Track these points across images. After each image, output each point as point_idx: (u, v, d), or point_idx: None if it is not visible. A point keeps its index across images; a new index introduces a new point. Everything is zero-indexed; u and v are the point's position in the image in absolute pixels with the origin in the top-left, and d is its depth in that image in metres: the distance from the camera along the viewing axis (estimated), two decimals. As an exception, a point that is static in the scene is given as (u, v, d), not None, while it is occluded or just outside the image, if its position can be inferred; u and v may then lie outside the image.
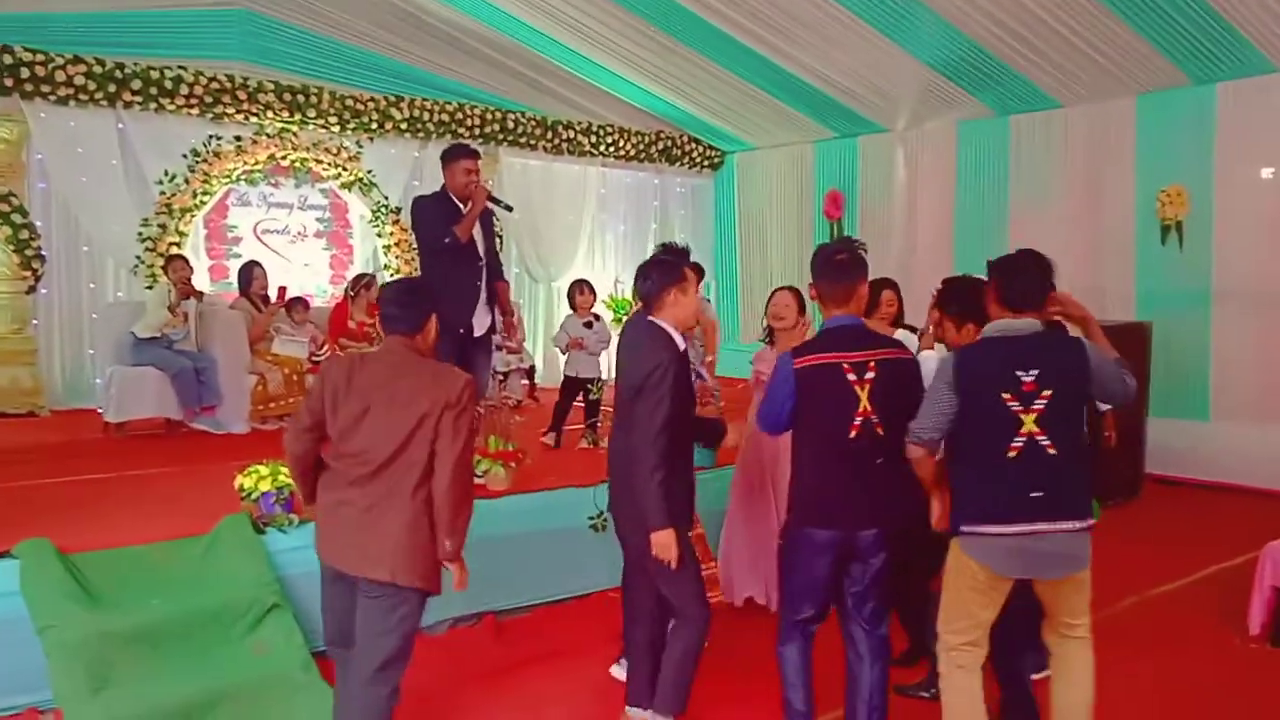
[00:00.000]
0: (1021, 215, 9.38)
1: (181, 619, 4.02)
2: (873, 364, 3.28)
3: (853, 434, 3.27)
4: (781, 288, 5.13)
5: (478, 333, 5.64)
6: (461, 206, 5.54)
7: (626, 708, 3.79)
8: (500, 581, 4.92)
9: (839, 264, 3.41)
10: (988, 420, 3.11)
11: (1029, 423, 3.06)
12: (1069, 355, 3.16)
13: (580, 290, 7.53)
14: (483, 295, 5.60)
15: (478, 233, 5.61)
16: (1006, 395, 3.07)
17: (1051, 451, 3.06)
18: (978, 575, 3.16)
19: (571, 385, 7.15)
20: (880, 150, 10.73)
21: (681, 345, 3.55)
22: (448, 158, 5.61)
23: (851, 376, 3.27)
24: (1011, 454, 3.07)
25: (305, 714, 3.83)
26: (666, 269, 3.61)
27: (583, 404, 7.09)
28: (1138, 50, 7.79)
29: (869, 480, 3.32)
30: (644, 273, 3.66)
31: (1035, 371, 3.07)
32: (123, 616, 3.96)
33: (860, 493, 3.32)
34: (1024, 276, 3.22)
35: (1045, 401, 3.06)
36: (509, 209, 6.12)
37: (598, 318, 7.46)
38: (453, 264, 5.50)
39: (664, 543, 3.40)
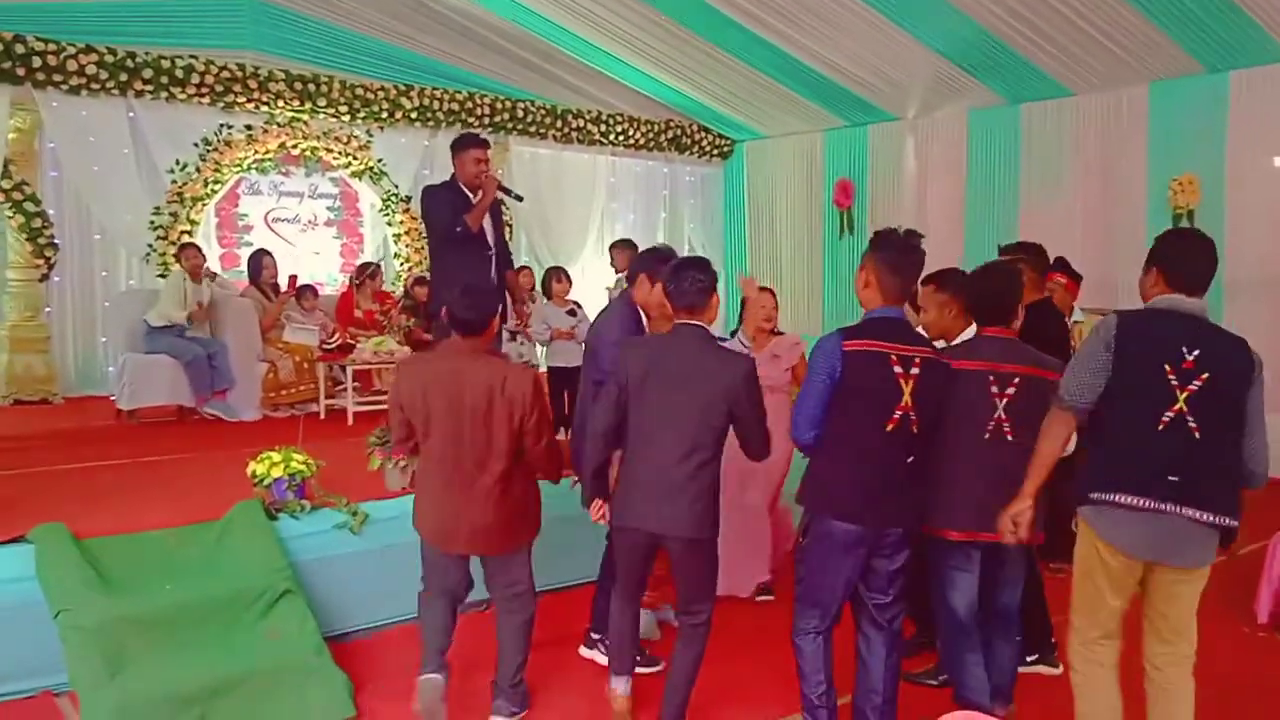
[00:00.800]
0: (1033, 204, 9.35)
1: (195, 604, 4.05)
2: (919, 360, 3.23)
3: (890, 427, 3.20)
4: (763, 289, 5.15)
5: None
6: (471, 196, 5.55)
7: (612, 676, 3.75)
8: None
9: (915, 261, 3.33)
10: (1142, 390, 2.99)
11: (1180, 400, 2.95)
12: (1235, 352, 3.03)
13: (558, 278, 7.58)
14: (492, 284, 5.62)
15: (487, 222, 5.61)
16: (1168, 368, 2.96)
17: (1196, 435, 2.94)
18: (1108, 559, 3.07)
19: (559, 376, 7.14)
20: (891, 139, 10.70)
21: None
22: (458, 147, 5.61)
23: (898, 369, 3.20)
24: (1160, 427, 2.95)
25: (318, 699, 3.86)
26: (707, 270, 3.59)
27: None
28: (1150, 37, 7.74)
29: (896, 477, 3.25)
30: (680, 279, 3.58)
31: (1197, 352, 2.95)
32: (137, 602, 3.99)
33: (887, 489, 3.25)
34: (1199, 260, 3.09)
35: (1200, 384, 2.94)
36: (519, 198, 6.13)
37: (579, 305, 7.49)
38: (462, 253, 5.51)
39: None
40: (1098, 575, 3.11)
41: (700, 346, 3.40)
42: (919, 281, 3.79)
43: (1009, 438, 3.46)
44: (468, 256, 5.52)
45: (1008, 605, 3.72)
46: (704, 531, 3.39)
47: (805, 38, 8.88)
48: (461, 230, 5.41)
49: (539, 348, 9.00)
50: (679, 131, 12.13)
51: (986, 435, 3.48)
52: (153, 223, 8.80)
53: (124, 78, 8.47)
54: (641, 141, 11.86)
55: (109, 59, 8.38)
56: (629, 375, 3.41)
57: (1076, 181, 9.06)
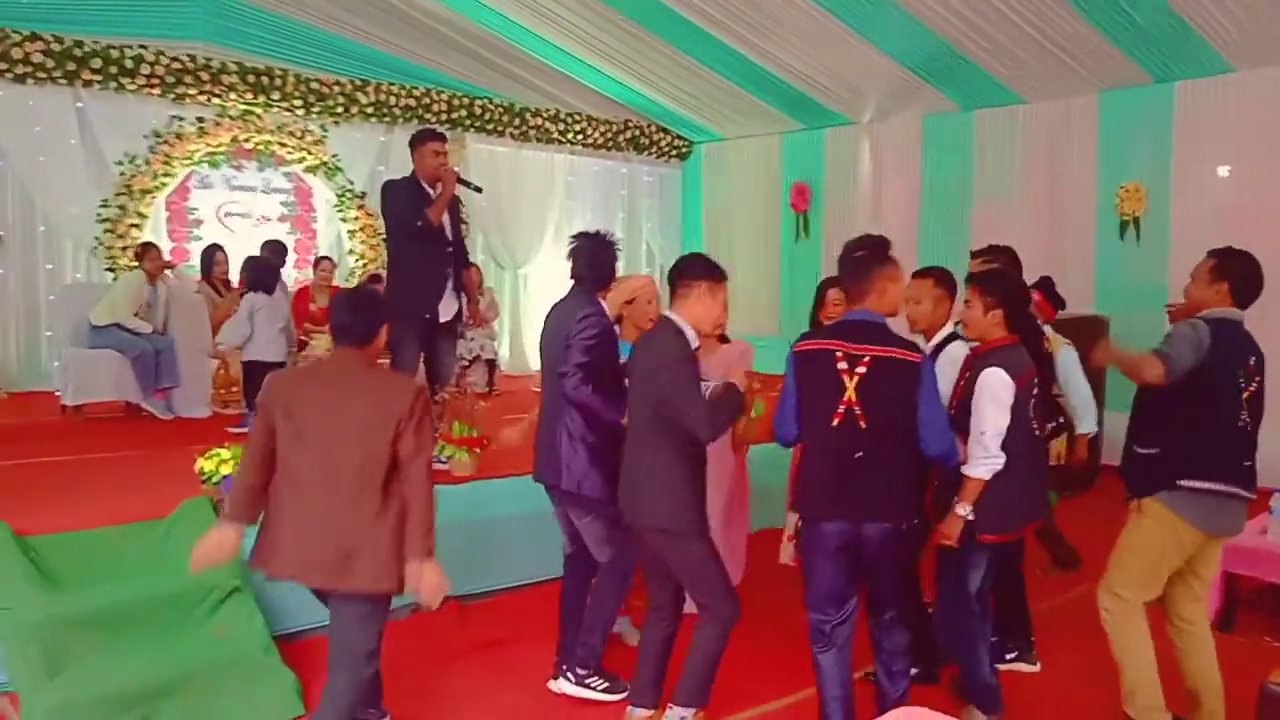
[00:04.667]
0: (985, 209, 9.49)
1: (141, 602, 3.99)
2: (869, 358, 3.29)
3: (835, 421, 3.29)
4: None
5: (444, 318, 5.59)
6: (431, 190, 5.50)
7: (630, 708, 3.67)
8: (464, 566, 4.92)
9: (855, 261, 3.47)
10: (1225, 388, 3.46)
11: (1244, 399, 3.48)
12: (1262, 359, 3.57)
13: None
14: (450, 281, 5.57)
15: (446, 218, 5.56)
16: (1239, 371, 3.48)
17: (1249, 429, 3.50)
18: (1184, 536, 3.51)
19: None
20: (846, 143, 10.79)
21: (695, 342, 3.50)
22: (415, 142, 5.56)
23: (842, 365, 3.29)
24: (1238, 424, 3.47)
25: (266, 697, 3.82)
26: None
27: None
28: (1099, 48, 7.90)
29: (850, 472, 3.31)
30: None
31: (1254, 358, 3.52)
32: (81, 600, 3.93)
33: (843, 485, 3.32)
34: (1259, 280, 3.56)
35: (1256, 385, 3.51)
36: (478, 190, 6.10)
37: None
38: (422, 249, 5.46)
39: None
40: (1170, 552, 3.55)
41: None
42: (912, 274, 3.99)
43: (1037, 432, 3.64)
44: (428, 252, 5.47)
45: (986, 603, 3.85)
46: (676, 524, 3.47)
47: (764, 42, 8.94)
48: (422, 225, 5.37)
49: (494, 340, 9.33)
50: (637, 132, 12.15)
51: (1036, 431, 3.64)
52: (100, 215, 8.62)
53: (71, 67, 8.31)
54: (600, 141, 11.86)
55: (56, 47, 8.20)
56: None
57: (1027, 187, 9.22)
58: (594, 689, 3.93)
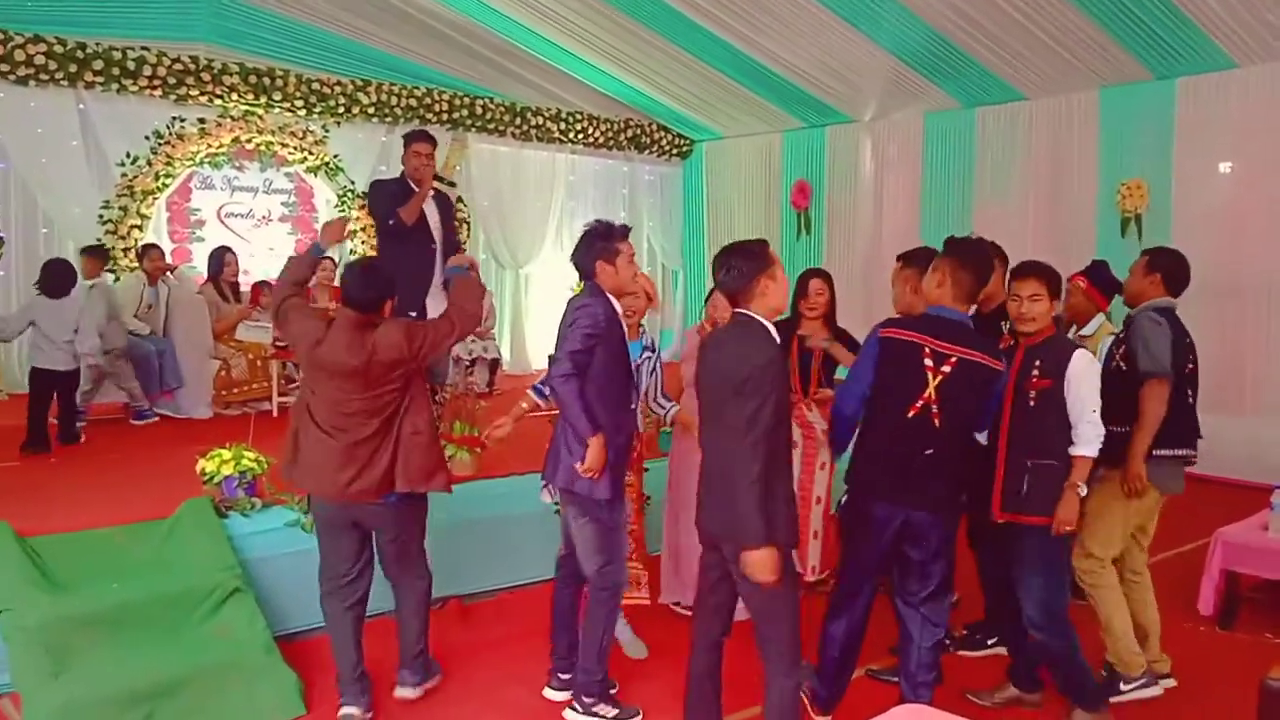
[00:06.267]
0: (986, 206, 9.48)
1: (143, 603, 4.00)
2: (954, 359, 3.37)
3: (910, 414, 3.39)
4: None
5: (431, 315, 5.61)
6: (417, 190, 5.54)
7: None
8: (465, 566, 4.93)
9: (988, 263, 3.63)
10: (1181, 370, 4.01)
11: (1188, 377, 4.12)
12: None
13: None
14: (436, 279, 5.55)
15: (434, 217, 5.59)
16: (1189, 354, 4.08)
17: (1194, 403, 4.16)
18: (1146, 500, 4.02)
19: None
20: (848, 141, 10.79)
21: (778, 339, 3.18)
22: (405, 140, 5.63)
23: (929, 362, 3.38)
24: (1190, 400, 4.10)
25: (268, 698, 3.83)
26: (752, 256, 3.18)
27: None
28: (1100, 44, 7.88)
29: (915, 465, 3.41)
30: (726, 262, 3.21)
31: (1189, 339, 4.09)
32: (83, 600, 3.94)
33: (907, 474, 3.42)
34: (1185, 272, 4.20)
35: (1194, 364, 4.15)
36: (451, 184, 6.07)
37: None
38: (404, 247, 5.45)
39: (760, 561, 2.98)
40: (1135, 513, 4.08)
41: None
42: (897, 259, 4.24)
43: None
44: (411, 251, 5.45)
45: None
46: None
47: (765, 40, 8.93)
48: (395, 223, 5.39)
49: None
50: (638, 131, 12.14)
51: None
52: (102, 216, 8.63)
53: (73, 69, 8.31)
54: (601, 140, 11.86)
55: (58, 49, 8.21)
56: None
57: (1029, 184, 9.20)
58: (603, 716, 3.81)
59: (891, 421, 3.44)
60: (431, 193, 5.56)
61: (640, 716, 3.84)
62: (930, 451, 3.39)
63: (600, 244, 3.75)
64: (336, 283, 9.05)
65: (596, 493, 3.67)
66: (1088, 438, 3.56)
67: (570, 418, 3.64)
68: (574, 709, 3.85)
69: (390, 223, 5.38)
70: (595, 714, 3.81)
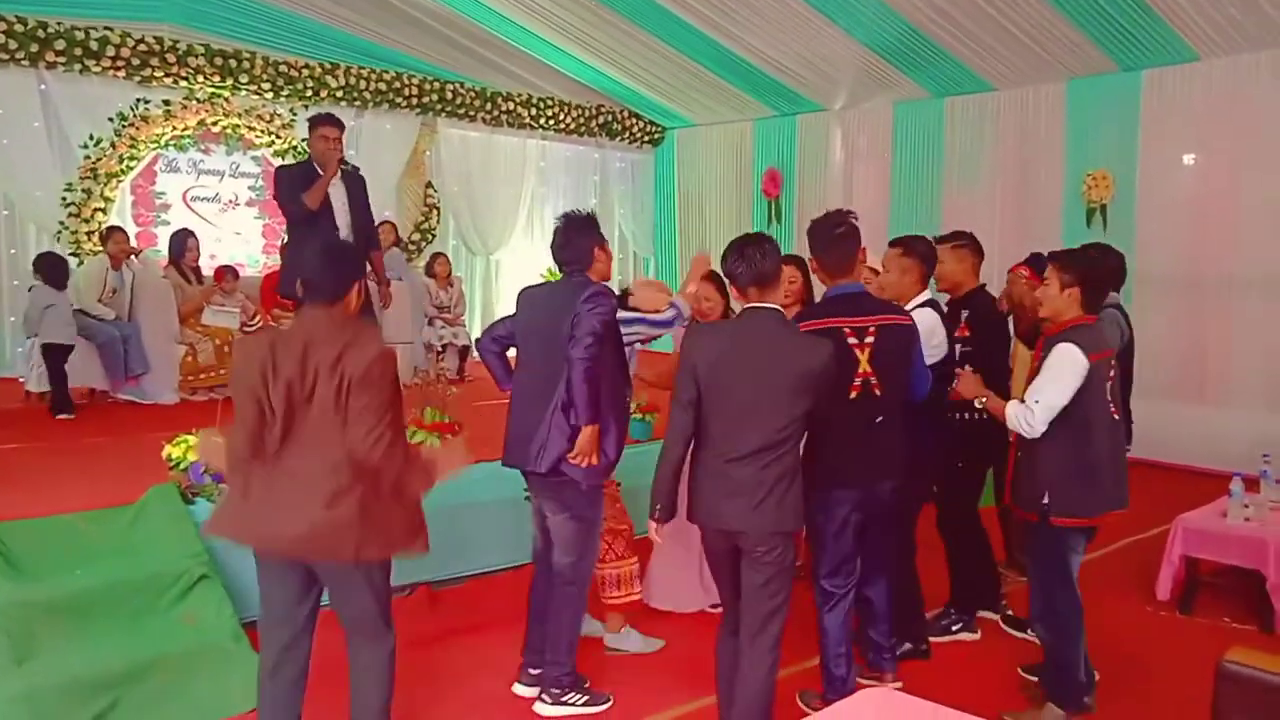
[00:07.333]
0: (954, 195, 9.58)
1: (108, 589, 3.96)
2: (873, 328, 3.48)
3: (852, 394, 3.46)
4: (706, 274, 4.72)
5: None
6: (322, 174, 5.51)
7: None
8: (434, 552, 4.89)
9: (840, 236, 3.57)
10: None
11: None
12: None
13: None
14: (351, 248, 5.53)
15: (341, 202, 5.56)
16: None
17: None
18: None
19: None
20: (818, 129, 10.84)
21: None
22: (311, 124, 5.61)
23: (852, 340, 3.46)
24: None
25: (235, 683, 3.80)
26: (775, 248, 3.20)
27: None
28: (1068, 36, 7.96)
29: (870, 436, 3.50)
30: (748, 254, 3.16)
31: None
32: (47, 586, 3.90)
33: (864, 449, 3.50)
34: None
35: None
36: (355, 169, 5.93)
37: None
38: (310, 233, 5.35)
39: None
40: None
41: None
42: (888, 244, 4.24)
43: (1115, 416, 3.67)
44: (316, 236, 5.31)
45: None
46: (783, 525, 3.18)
47: (736, 28, 8.94)
48: (296, 208, 5.35)
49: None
50: (610, 117, 12.11)
51: (1114, 414, 3.64)
52: (64, 199, 8.50)
53: (35, 49, 8.16)
54: (572, 126, 11.81)
55: (19, 29, 8.06)
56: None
57: (996, 174, 9.30)
58: (574, 704, 3.79)
59: (835, 411, 3.35)
60: (340, 176, 5.54)
61: (611, 703, 3.84)
62: (880, 419, 3.51)
63: (596, 230, 3.76)
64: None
65: (589, 478, 3.60)
66: (1017, 410, 3.53)
67: (580, 398, 3.51)
68: (544, 700, 3.83)
69: (293, 208, 5.33)
70: (565, 703, 3.79)
